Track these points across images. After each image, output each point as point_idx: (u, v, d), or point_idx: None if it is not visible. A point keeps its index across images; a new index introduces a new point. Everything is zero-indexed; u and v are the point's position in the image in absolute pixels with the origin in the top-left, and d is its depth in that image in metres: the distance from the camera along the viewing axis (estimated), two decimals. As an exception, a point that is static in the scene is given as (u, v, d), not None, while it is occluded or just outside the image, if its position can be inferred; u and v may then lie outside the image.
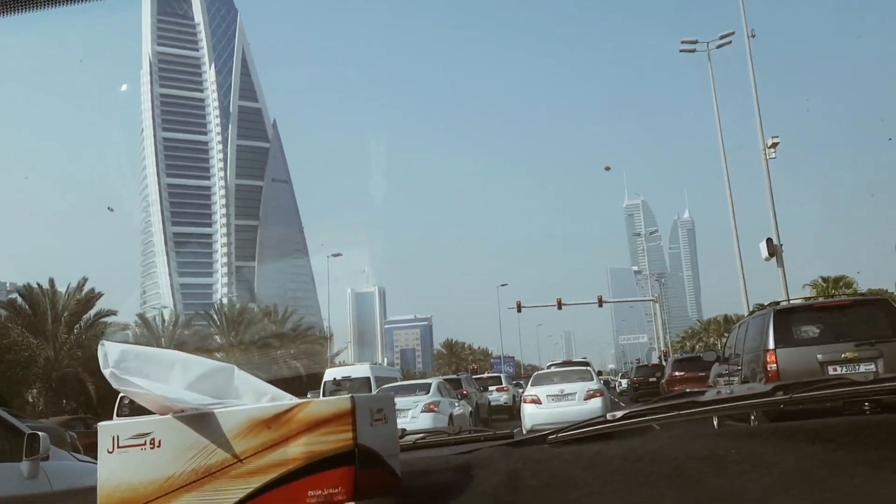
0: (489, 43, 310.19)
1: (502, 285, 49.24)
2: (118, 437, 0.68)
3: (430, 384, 12.02)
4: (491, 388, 20.63)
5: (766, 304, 8.95)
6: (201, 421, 0.67)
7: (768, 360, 6.88)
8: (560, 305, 34.15)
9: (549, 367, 18.22)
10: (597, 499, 0.67)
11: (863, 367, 6.69)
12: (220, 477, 0.65)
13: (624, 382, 35.77)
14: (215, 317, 40.26)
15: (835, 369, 6.75)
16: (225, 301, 47.73)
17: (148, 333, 35.09)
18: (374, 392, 10.32)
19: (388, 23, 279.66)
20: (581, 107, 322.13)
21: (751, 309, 16.10)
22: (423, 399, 10.78)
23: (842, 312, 7.52)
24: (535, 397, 10.93)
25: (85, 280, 27.55)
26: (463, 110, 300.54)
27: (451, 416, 10.96)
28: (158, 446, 0.67)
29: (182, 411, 0.68)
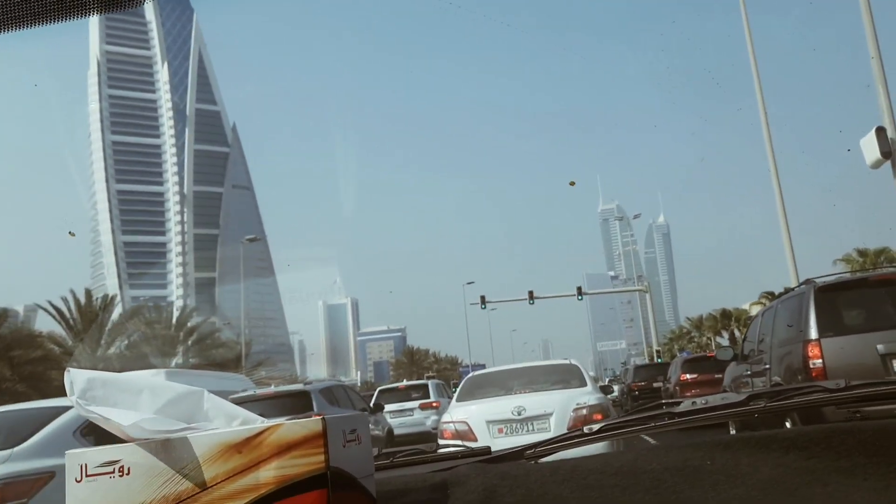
0: (458, 53, 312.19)
1: (469, 283, 43.81)
2: (86, 465, 0.67)
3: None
4: (406, 406, 13.47)
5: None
6: (171, 447, 0.67)
7: (810, 354, 5.29)
8: (532, 298, 30.78)
9: None
10: None
11: None
12: (191, 503, 0.65)
13: (615, 389, 29.61)
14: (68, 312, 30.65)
15: None
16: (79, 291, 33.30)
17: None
18: None
19: (354, 33, 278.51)
20: (552, 115, 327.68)
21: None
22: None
23: None
24: (462, 427, 5.67)
25: None
26: (434, 121, 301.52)
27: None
28: (128, 474, 0.66)
29: (151, 438, 0.68)
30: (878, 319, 5.49)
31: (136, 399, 0.73)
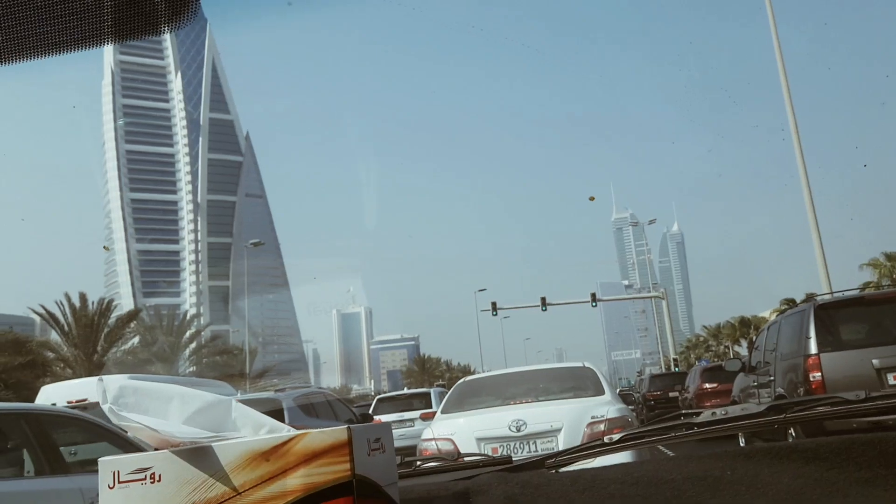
0: (475, 61, 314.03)
1: (481, 290, 42.19)
2: (119, 472, 0.69)
3: None
4: (406, 416, 12.89)
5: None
6: (200, 455, 0.68)
7: (810, 368, 5.69)
8: (545, 304, 30.23)
9: None
10: None
11: None
12: (220, 510, 0.66)
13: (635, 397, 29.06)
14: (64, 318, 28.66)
15: None
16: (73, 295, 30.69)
17: None
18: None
19: (369, 41, 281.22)
20: (566, 124, 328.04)
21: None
22: None
23: None
24: (445, 445, 4.67)
25: None
26: (448, 129, 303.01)
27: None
28: (159, 481, 0.68)
29: (181, 445, 0.70)
30: (874, 335, 5.88)
31: (166, 407, 0.74)
